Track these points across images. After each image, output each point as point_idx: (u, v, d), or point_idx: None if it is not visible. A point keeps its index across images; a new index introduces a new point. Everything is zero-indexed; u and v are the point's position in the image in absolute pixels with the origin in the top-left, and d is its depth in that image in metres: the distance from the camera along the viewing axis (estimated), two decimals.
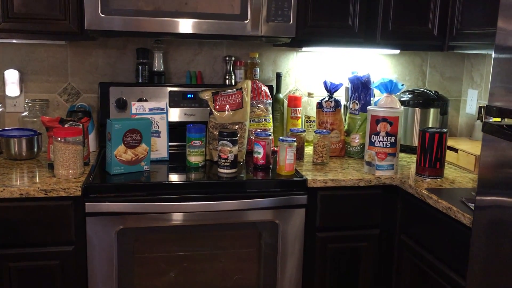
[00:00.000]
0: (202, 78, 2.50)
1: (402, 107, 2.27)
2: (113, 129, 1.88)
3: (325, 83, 2.35)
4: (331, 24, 2.19)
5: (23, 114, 2.26)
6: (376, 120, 2.01)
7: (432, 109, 2.44)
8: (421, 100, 2.44)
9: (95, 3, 1.89)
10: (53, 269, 1.80)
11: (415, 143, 2.45)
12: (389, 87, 2.18)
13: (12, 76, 2.29)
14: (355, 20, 2.20)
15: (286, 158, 1.97)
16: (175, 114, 2.38)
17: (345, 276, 2.07)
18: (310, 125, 2.55)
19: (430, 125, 2.43)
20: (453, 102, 2.73)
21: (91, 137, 2.24)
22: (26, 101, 2.28)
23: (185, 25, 1.97)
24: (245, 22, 2.01)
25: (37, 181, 1.80)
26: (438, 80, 2.74)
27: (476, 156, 2.07)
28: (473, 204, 1.63)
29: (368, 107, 2.09)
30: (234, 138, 1.97)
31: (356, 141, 2.32)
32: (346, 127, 2.39)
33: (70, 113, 2.23)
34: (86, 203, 1.77)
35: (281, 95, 2.54)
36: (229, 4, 1.99)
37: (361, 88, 2.31)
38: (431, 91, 2.49)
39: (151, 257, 1.92)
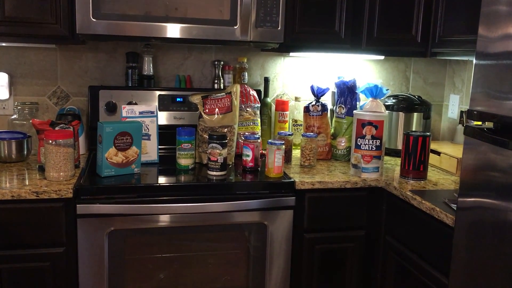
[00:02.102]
0: (191, 82, 2.53)
1: (387, 111, 2.33)
2: (104, 131, 1.91)
3: (312, 87, 2.40)
4: (318, 31, 2.25)
5: (13, 117, 2.27)
6: (362, 123, 2.07)
7: (415, 114, 2.50)
8: (405, 104, 2.51)
9: (86, 7, 1.91)
10: (44, 271, 1.81)
11: (399, 146, 2.52)
12: (374, 92, 2.24)
13: (1, 79, 2.30)
14: (341, 27, 2.26)
15: (275, 161, 2.02)
16: (164, 118, 2.41)
17: (332, 276, 2.12)
18: (297, 128, 2.60)
19: (413, 129, 2.50)
20: (436, 106, 2.81)
21: (81, 140, 2.26)
22: (16, 104, 2.28)
23: (176, 30, 2.01)
24: (235, 27, 2.05)
25: (28, 183, 1.82)
26: (421, 85, 2.81)
27: (458, 159, 2.14)
28: (455, 205, 1.69)
29: (354, 111, 2.14)
30: (224, 141, 2.01)
31: (342, 144, 2.38)
32: (332, 130, 2.44)
33: (60, 116, 2.24)
34: (77, 205, 1.79)
35: (268, 99, 2.58)
36: (219, 9, 2.04)
37: (347, 93, 2.37)
38: (414, 96, 2.56)
39: (141, 258, 1.95)
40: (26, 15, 1.95)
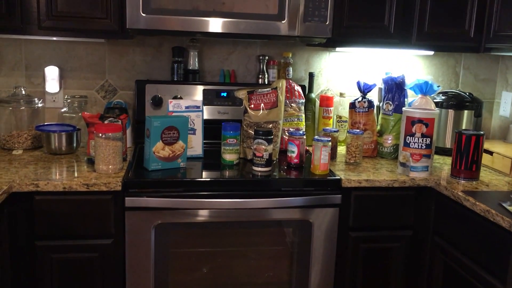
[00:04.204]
0: (236, 76, 2.53)
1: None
2: (152, 126, 1.92)
3: (358, 83, 2.35)
4: (367, 25, 2.20)
5: (63, 110, 2.32)
6: (412, 121, 2.01)
7: (466, 111, 2.42)
8: (455, 102, 2.43)
9: (136, 2, 1.93)
10: (93, 261, 1.85)
11: (448, 145, 2.44)
12: (424, 88, 2.17)
13: (52, 73, 2.36)
14: (391, 21, 2.20)
15: (321, 158, 1.99)
16: (208, 112, 2.41)
17: (377, 276, 2.07)
18: (341, 125, 2.56)
19: (463, 127, 2.41)
20: (486, 104, 2.70)
21: (128, 133, 2.28)
22: (66, 97, 2.33)
23: (224, 25, 2.00)
24: (282, 22, 2.03)
25: (79, 175, 1.85)
26: (472, 81, 2.71)
27: None
28: None
29: (404, 108, 2.08)
30: (270, 137, 1.99)
31: (389, 142, 2.32)
32: (378, 127, 2.39)
33: (107, 109, 2.28)
34: (126, 198, 1.82)
35: (313, 95, 2.55)
36: (267, 4, 2.01)
37: (395, 89, 2.31)
38: (465, 93, 2.47)
39: (186, 252, 1.96)
40: (77, 10, 1.99)
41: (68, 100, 2.32)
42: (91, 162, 2.00)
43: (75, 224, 1.81)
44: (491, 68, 2.71)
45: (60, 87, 2.39)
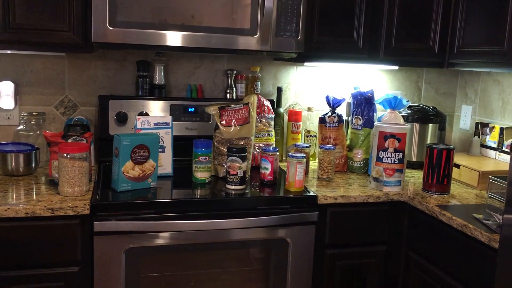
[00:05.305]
0: (203, 91, 2.46)
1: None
2: (121, 144, 1.82)
3: (327, 98, 2.35)
4: (336, 40, 2.20)
5: (18, 128, 2.17)
6: (384, 136, 2.02)
7: (430, 125, 2.47)
8: (420, 115, 2.47)
9: (103, 15, 1.83)
10: None
11: (414, 158, 2.48)
12: (393, 103, 2.20)
13: (6, 88, 2.20)
14: (359, 36, 2.22)
15: (296, 175, 1.95)
16: (176, 128, 2.32)
17: None
18: (310, 139, 2.54)
19: (429, 141, 2.46)
20: (447, 117, 2.77)
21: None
22: (22, 114, 2.18)
23: (195, 39, 1.94)
24: (255, 36, 1.99)
25: (42, 199, 1.72)
26: (433, 95, 2.78)
27: (480, 172, 2.11)
28: (488, 221, 1.65)
29: (376, 123, 2.09)
30: (244, 154, 1.94)
31: (359, 156, 2.33)
32: (348, 142, 2.39)
33: (68, 126, 2.14)
34: (94, 222, 1.70)
35: (281, 109, 2.52)
36: (238, 18, 1.97)
37: (364, 104, 2.32)
38: (429, 107, 2.52)
39: (159, 276, 1.87)
40: (38, 22, 1.87)
41: (25, 117, 2.18)
42: (53, 183, 1.87)
43: (39, 252, 1.68)
44: (451, 83, 2.79)
45: (16, 104, 2.23)
